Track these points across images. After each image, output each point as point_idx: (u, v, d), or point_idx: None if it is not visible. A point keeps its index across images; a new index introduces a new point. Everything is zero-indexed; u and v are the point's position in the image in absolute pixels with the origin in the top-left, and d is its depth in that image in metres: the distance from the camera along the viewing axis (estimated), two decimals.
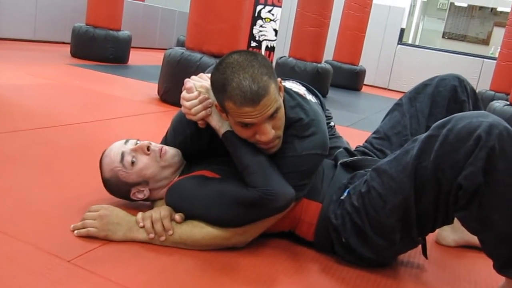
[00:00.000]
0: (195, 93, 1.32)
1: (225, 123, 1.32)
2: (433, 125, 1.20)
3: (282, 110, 1.29)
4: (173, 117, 1.49)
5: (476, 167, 1.09)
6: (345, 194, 1.38)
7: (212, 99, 1.31)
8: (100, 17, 5.32)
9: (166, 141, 1.51)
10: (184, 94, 1.34)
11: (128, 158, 1.39)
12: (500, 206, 1.12)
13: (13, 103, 2.76)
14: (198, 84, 1.34)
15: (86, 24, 5.35)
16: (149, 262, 1.23)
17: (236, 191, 1.29)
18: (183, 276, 1.20)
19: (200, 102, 1.31)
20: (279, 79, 1.29)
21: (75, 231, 1.29)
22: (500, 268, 1.21)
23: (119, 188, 1.44)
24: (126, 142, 1.43)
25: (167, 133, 1.53)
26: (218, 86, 1.23)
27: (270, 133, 1.26)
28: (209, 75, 1.38)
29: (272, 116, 1.24)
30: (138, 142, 1.43)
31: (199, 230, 1.31)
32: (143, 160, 1.40)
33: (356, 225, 1.32)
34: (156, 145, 1.43)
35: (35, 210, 1.41)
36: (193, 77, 1.40)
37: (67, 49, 5.55)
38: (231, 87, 1.19)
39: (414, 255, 1.49)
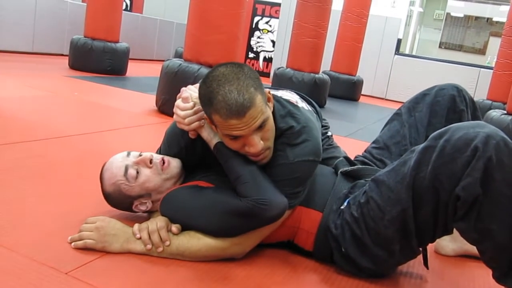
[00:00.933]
0: (191, 103, 1.32)
1: (216, 134, 1.33)
2: (430, 136, 1.20)
3: (271, 121, 1.29)
4: (166, 129, 1.49)
5: (473, 178, 1.09)
6: (345, 204, 1.38)
7: None
8: (98, 29, 5.35)
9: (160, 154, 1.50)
10: (178, 102, 1.35)
11: (132, 172, 1.38)
12: (499, 216, 1.11)
13: (11, 115, 2.75)
14: (195, 95, 1.34)
15: (84, 36, 5.37)
16: (146, 273, 1.23)
17: (228, 201, 1.29)
18: (180, 287, 1.19)
19: (195, 113, 1.32)
20: (267, 90, 1.30)
21: (72, 243, 1.28)
22: (499, 277, 1.20)
23: (121, 201, 1.43)
24: (128, 155, 1.43)
25: (161, 146, 1.53)
26: (205, 100, 1.23)
27: (259, 144, 1.26)
28: None
29: (260, 128, 1.24)
30: (141, 154, 1.42)
31: (196, 242, 1.31)
32: (145, 173, 1.39)
33: (356, 235, 1.32)
34: (157, 157, 1.43)
35: (31, 222, 1.40)
36: (190, 86, 1.40)
37: (65, 61, 5.57)
38: (216, 100, 1.19)
39: (413, 265, 1.48)
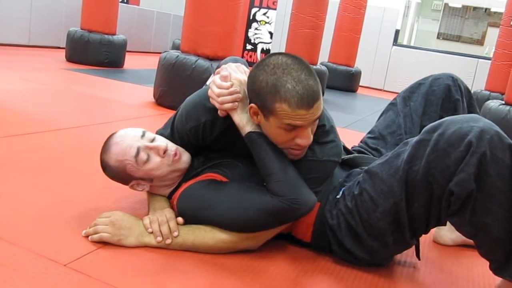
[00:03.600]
0: (229, 83, 1.29)
1: (249, 122, 1.30)
2: (424, 129, 1.19)
3: None
4: (186, 100, 1.43)
5: (467, 174, 1.09)
6: (340, 193, 1.38)
7: (243, 95, 1.30)
8: (95, 21, 5.31)
9: (173, 127, 1.46)
10: (216, 79, 1.32)
11: (143, 156, 1.34)
12: (493, 210, 1.11)
13: (9, 108, 2.75)
14: (234, 75, 1.32)
15: (81, 29, 5.34)
16: (147, 263, 1.23)
17: (260, 200, 1.27)
18: (180, 276, 1.19)
19: (230, 94, 1.28)
20: None
21: (89, 237, 1.28)
22: (496, 269, 1.21)
23: (120, 177, 1.40)
24: (143, 136, 1.37)
25: (174, 116, 1.47)
26: (267, 87, 1.20)
27: (310, 137, 1.26)
28: (245, 68, 1.37)
29: (315, 120, 1.25)
30: (156, 137, 1.39)
31: (211, 236, 1.31)
32: (155, 161, 1.35)
33: (350, 226, 1.32)
34: (171, 148, 1.38)
35: (30, 215, 1.40)
36: (230, 64, 1.38)
37: (62, 54, 5.54)
38: (285, 88, 1.17)
39: (412, 254, 1.48)
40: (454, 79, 1.60)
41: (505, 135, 1.11)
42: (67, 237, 1.29)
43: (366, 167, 1.36)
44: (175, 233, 1.30)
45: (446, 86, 1.58)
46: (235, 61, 1.44)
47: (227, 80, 1.30)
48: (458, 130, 1.11)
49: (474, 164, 1.08)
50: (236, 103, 1.30)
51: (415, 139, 1.20)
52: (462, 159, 1.09)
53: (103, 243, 1.28)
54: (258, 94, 1.23)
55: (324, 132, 1.35)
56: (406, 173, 1.18)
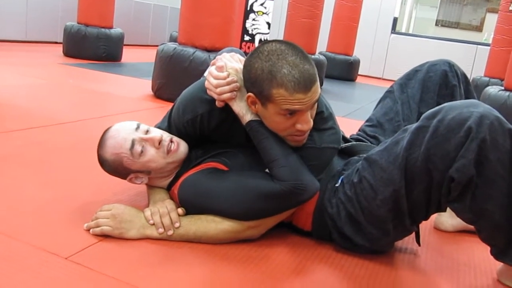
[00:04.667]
0: (225, 73, 1.29)
1: (249, 111, 1.30)
2: (423, 115, 1.19)
3: None
4: (183, 92, 1.43)
5: (467, 160, 1.09)
6: (339, 182, 1.38)
7: (240, 84, 1.29)
8: (92, 15, 5.29)
9: (170, 119, 1.46)
10: (212, 70, 1.31)
11: (138, 148, 1.34)
12: (494, 196, 1.11)
13: (6, 103, 2.74)
14: (230, 64, 1.32)
15: (78, 23, 5.32)
16: (148, 255, 1.23)
17: (263, 185, 1.28)
18: (182, 267, 1.19)
19: (228, 84, 1.28)
20: None
21: (90, 230, 1.28)
22: (497, 254, 1.21)
23: (117, 171, 1.40)
24: (137, 128, 1.37)
25: (171, 110, 1.46)
26: (263, 74, 1.19)
27: (311, 121, 1.26)
28: (241, 57, 1.36)
29: (314, 104, 1.25)
30: (150, 129, 1.39)
31: (214, 226, 1.31)
32: (151, 152, 1.35)
33: (350, 214, 1.32)
34: (166, 137, 1.38)
35: (30, 209, 1.40)
36: (224, 54, 1.37)
37: (59, 48, 5.53)
38: (281, 73, 1.17)
39: (412, 241, 1.48)
40: (451, 65, 1.59)
41: (505, 120, 1.11)
42: (67, 230, 1.29)
43: (365, 155, 1.36)
44: (177, 224, 1.30)
45: (443, 72, 1.58)
46: (231, 52, 1.44)
47: (223, 70, 1.30)
48: (458, 116, 1.11)
49: (474, 149, 1.08)
50: (235, 92, 1.29)
51: (414, 125, 1.20)
52: (462, 145, 1.09)
53: (104, 236, 1.28)
54: (254, 82, 1.22)
55: (322, 119, 1.35)
56: (406, 160, 1.18)
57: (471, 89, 1.62)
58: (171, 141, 1.38)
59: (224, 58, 1.35)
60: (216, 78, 1.29)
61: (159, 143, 1.36)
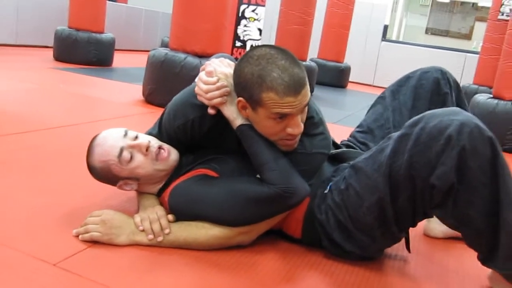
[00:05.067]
0: (214, 78, 1.29)
1: (240, 115, 1.30)
2: (406, 123, 1.20)
3: None
4: (173, 98, 1.42)
5: (447, 167, 1.09)
6: (328, 188, 1.38)
7: (230, 89, 1.29)
8: (83, 20, 5.27)
9: (161, 125, 1.45)
10: (202, 75, 1.31)
11: (126, 155, 1.33)
12: (475, 203, 1.12)
13: None
14: (219, 69, 1.32)
15: (69, 27, 5.30)
16: (138, 261, 1.22)
17: (253, 189, 1.28)
18: (172, 274, 1.19)
19: (218, 89, 1.28)
20: None
21: (79, 236, 1.27)
22: (483, 260, 1.22)
23: (107, 178, 1.39)
24: (125, 135, 1.36)
25: (162, 116, 1.46)
26: (253, 78, 1.20)
27: (301, 125, 1.26)
28: (230, 62, 1.37)
29: (304, 108, 1.25)
30: (138, 135, 1.38)
31: (204, 232, 1.30)
32: (139, 159, 1.35)
33: (339, 220, 1.32)
34: (154, 144, 1.37)
35: (19, 215, 1.39)
36: (213, 60, 1.37)
37: (50, 53, 5.50)
38: (271, 77, 1.17)
39: (402, 248, 1.49)
40: (443, 73, 1.60)
41: (485, 127, 1.11)
42: (56, 236, 1.28)
43: (352, 162, 1.37)
44: (167, 231, 1.30)
45: (435, 80, 1.58)
46: (220, 58, 1.44)
47: (213, 75, 1.30)
48: (439, 124, 1.12)
49: (454, 157, 1.09)
50: (225, 97, 1.29)
51: (397, 133, 1.21)
52: (442, 152, 1.10)
53: (94, 242, 1.27)
54: (244, 87, 1.23)
55: (313, 124, 1.35)
56: (390, 167, 1.18)
57: (462, 96, 1.63)
58: (161, 148, 1.38)
59: (213, 64, 1.35)
60: (206, 83, 1.29)
61: (147, 150, 1.35)
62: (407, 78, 1.65)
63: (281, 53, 1.21)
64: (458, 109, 1.17)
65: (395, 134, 1.22)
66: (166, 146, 1.40)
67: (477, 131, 1.09)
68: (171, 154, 1.40)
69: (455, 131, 1.09)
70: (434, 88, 1.58)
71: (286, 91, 1.17)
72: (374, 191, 1.22)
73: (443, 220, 1.22)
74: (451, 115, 1.13)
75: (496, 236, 1.13)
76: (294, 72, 1.19)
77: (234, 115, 1.31)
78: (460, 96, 1.62)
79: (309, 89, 1.24)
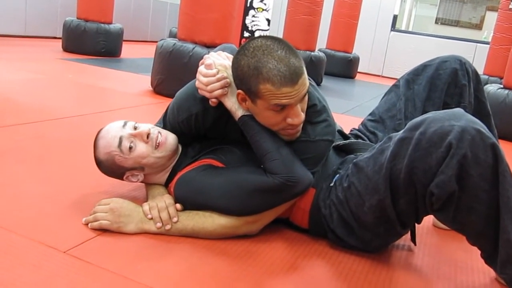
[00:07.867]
0: (214, 70, 1.30)
1: (241, 106, 1.31)
2: (406, 126, 1.17)
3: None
4: (177, 93, 1.44)
5: (446, 176, 1.07)
6: (333, 182, 1.37)
7: (230, 80, 1.30)
8: (91, 10, 5.28)
9: (165, 119, 1.47)
10: (201, 69, 1.32)
11: (126, 144, 1.35)
12: (477, 209, 1.10)
13: (6, 98, 2.74)
14: (218, 62, 1.32)
15: (77, 18, 5.31)
16: (146, 249, 1.23)
17: (256, 179, 1.28)
18: (179, 262, 1.20)
19: (218, 80, 1.28)
20: None
21: (89, 224, 1.29)
22: (487, 259, 1.21)
23: (113, 170, 1.41)
24: (124, 125, 1.39)
25: (167, 110, 1.48)
26: (249, 70, 1.20)
27: (302, 115, 1.26)
28: (228, 54, 1.37)
29: (303, 98, 1.24)
30: (137, 125, 1.40)
31: (211, 221, 1.31)
32: (140, 147, 1.37)
33: (342, 216, 1.32)
34: (155, 131, 1.39)
35: (29, 203, 1.40)
36: (212, 53, 1.38)
37: (58, 43, 5.52)
38: (267, 68, 1.17)
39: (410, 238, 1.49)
40: (462, 63, 1.54)
41: (487, 133, 1.08)
42: (66, 224, 1.29)
43: (361, 153, 1.36)
44: (175, 219, 1.31)
45: (453, 70, 1.53)
46: (224, 49, 1.45)
47: (212, 68, 1.30)
48: (440, 129, 1.09)
49: (454, 166, 1.06)
50: (226, 88, 1.30)
51: (398, 136, 1.18)
52: (443, 160, 1.07)
53: (103, 230, 1.28)
54: (242, 79, 1.23)
55: (315, 111, 1.34)
56: (390, 171, 1.17)
57: (481, 87, 1.57)
58: (159, 133, 1.39)
59: (211, 56, 1.35)
60: (205, 76, 1.30)
61: (147, 137, 1.37)
62: (424, 66, 1.60)
63: (277, 43, 1.20)
64: (461, 112, 1.13)
65: (395, 136, 1.19)
66: (163, 131, 1.41)
67: (479, 138, 1.06)
68: (168, 138, 1.40)
69: (455, 138, 1.06)
70: (452, 79, 1.53)
71: (283, 81, 1.17)
72: (374, 192, 1.21)
73: (444, 223, 1.21)
74: (452, 119, 1.09)
75: (496, 241, 1.13)
76: (290, 62, 1.18)
77: (236, 106, 1.31)
78: (478, 87, 1.56)
79: (307, 77, 1.23)
